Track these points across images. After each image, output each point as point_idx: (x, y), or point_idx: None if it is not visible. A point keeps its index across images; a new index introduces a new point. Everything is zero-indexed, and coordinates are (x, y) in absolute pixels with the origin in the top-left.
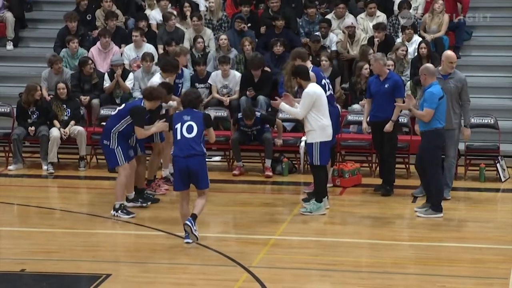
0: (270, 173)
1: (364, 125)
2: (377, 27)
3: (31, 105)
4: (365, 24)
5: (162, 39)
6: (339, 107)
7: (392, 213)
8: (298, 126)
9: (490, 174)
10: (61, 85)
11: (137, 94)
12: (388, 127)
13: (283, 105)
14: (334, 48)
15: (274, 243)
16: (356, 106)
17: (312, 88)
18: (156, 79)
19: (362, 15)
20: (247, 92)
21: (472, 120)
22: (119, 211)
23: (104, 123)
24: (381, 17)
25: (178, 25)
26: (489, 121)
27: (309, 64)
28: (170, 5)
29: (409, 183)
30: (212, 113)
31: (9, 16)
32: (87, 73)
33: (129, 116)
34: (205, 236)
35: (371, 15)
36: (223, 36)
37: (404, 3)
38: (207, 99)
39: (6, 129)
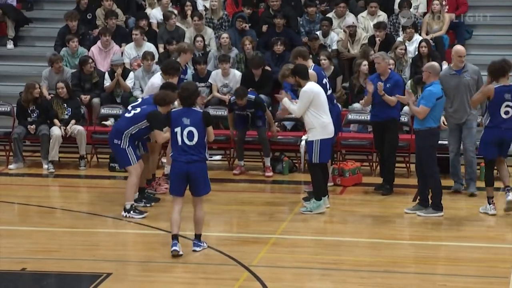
0: (270, 173)
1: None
2: (378, 26)
3: (30, 103)
4: (366, 23)
5: (162, 38)
6: (339, 106)
7: (392, 212)
8: (298, 125)
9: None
10: (60, 84)
11: (138, 93)
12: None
13: (285, 100)
14: (334, 47)
15: (274, 242)
16: (356, 105)
17: (309, 86)
18: (157, 79)
19: (363, 14)
20: (248, 90)
21: None
22: (131, 212)
23: (104, 122)
24: (381, 16)
25: (178, 24)
26: None
27: (310, 63)
28: (171, 4)
29: (409, 182)
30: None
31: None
32: (88, 72)
33: (145, 121)
34: (206, 235)
35: (372, 14)
36: (225, 35)
37: (404, 2)
38: (208, 98)
39: (6, 128)
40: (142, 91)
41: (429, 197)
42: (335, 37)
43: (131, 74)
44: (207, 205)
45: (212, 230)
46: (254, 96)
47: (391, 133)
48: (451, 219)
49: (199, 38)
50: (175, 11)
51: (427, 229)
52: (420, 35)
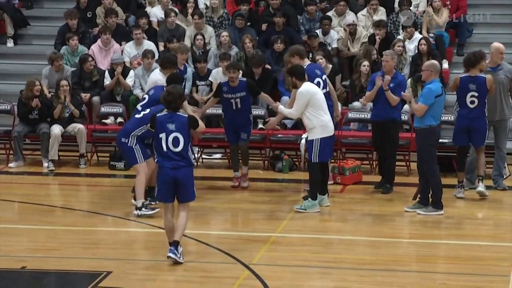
0: (246, 183)
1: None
2: (378, 24)
3: (31, 100)
4: (366, 22)
5: (163, 36)
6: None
7: (392, 210)
8: (298, 124)
9: (491, 172)
10: (64, 82)
11: (138, 92)
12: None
13: (281, 108)
14: (334, 45)
15: (274, 240)
16: (356, 104)
17: (305, 87)
18: (156, 75)
19: (363, 12)
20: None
21: None
22: (143, 209)
23: (104, 121)
24: (381, 14)
25: (179, 22)
26: None
27: (306, 62)
28: (171, 2)
29: (410, 180)
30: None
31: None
32: (88, 70)
33: None
34: (206, 233)
35: (373, 11)
36: (225, 33)
37: (404, 1)
38: (208, 96)
39: (6, 127)
40: (142, 89)
41: (430, 195)
42: (335, 36)
43: (131, 73)
44: (208, 203)
45: (212, 228)
46: (246, 79)
47: (391, 133)
48: (451, 218)
49: (199, 37)
50: (176, 9)
51: (427, 227)
52: (420, 33)
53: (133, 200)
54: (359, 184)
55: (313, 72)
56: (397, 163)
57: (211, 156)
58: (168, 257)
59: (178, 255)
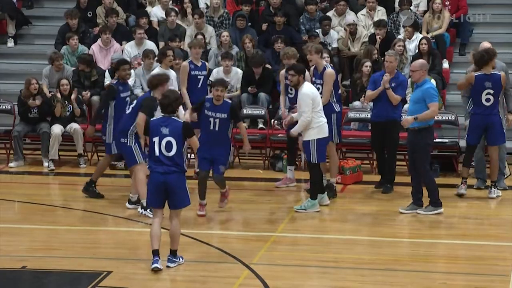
0: (224, 204)
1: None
2: (378, 24)
3: (29, 98)
4: (366, 21)
5: (163, 36)
6: (339, 105)
7: (392, 210)
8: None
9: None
10: (65, 81)
11: (138, 91)
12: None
13: (295, 129)
14: (335, 45)
15: (275, 240)
16: (357, 103)
17: (309, 88)
18: (156, 71)
19: (363, 12)
20: (249, 88)
21: None
22: (148, 210)
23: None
24: (382, 14)
25: (179, 22)
26: None
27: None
28: (171, 2)
29: (410, 180)
30: None
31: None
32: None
33: None
34: (206, 233)
35: (371, 9)
36: (225, 33)
37: (404, 0)
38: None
39: (7, 126)
40: (143, 89)
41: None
42: (335, 35)
43: (132, 72)
44: (208, 204)
45: (213, 228)
46: (231, 101)
47: (392, 133)
48: (452, 217)
49: (199, 36)
50: (176, 9)
51: (427, 227)
52: (420, 33)
53: (128, 204)
54: (359, 184)
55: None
56: (397, 162)
57: None
58: (155, 268)
59: (177, 262)
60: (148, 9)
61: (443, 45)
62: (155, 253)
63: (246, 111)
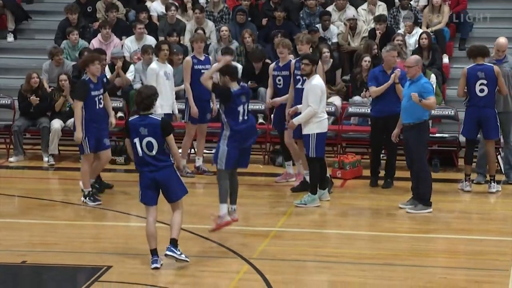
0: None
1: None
2: (378, 19)
3: (30, 93)
4: (367, 16)
5: (163, 31)
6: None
7: (392, 205)
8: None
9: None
10: (63, 76)
11: (138, 86)
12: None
13: (297, 119)
14: (334, 40)
15: (275, 235)
16: (357, 98)
17: (319, 80)
18: (152, 65)
19: (363, 6)
20: (249, 83)
21: None
22: (87, 198)
23: None
24: (382, 9)
25: (179, 17)
26: None
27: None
28: None
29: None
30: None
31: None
32: None
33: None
34: (206, 228)
35: (373, 4)
36: (224, 28)
37: None
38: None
39: (7, 121)
40: (142, 84)
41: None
42: (335, 30)
43: (132, 67)
44: (209, 198)
45: (213, 223)
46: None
47: (394, 128)
48: (451, 212)
49: (199, 31)
50: (176, 4)
51: (427, 222)
52: (420, 28)
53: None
54: (359, 179)
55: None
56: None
57: (211, 150)
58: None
59: (178, 253)
60: (148, 4)
61: (443, 40)
62: (154, 252)
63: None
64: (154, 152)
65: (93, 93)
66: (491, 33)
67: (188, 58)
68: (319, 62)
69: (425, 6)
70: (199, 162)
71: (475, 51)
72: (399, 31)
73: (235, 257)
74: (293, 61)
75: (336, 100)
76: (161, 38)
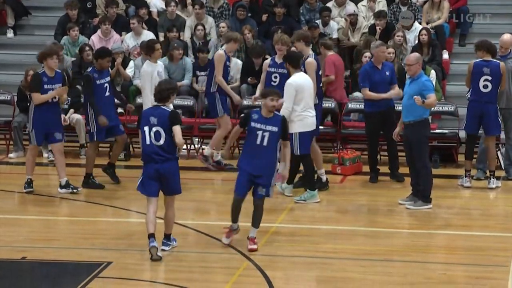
0: (255, 246)
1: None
2: (378, 15)
3: (28, 89)
4: (367, 12)
5: (163, 26)
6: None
7: (392, 201)
8: None
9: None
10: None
11: (137, 82)
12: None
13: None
14: (335, 35)
15: (274, 231)
16: (357, 94)
17: (294, 78)
18: (144, 65)
19: (364, 2)
20: (249, 79)
21: None
22: (64, 188)
23: None
24: (382, 5)
25: (179, 12)
26: None
27: (309, 51)
28: None
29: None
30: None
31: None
32: (87, 60)
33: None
34: (206, 224)
35: (372, 0)
36: (222, 24)
37: None
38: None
39: (7, 117)
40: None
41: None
42: (335, 26)
43: (131, 63)
44: (209, 194)
45: (213, 219)
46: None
47: (392, 121)
48: (451, 208)
49: (199, 27)
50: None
51: (426, 218)
52: (420, 24)
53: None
54: (359, 175)
55: (319, 63)
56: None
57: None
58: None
59: (171, 243)
60: None
61: (442, 35)
62: (151, 236)
63: (245, 102)
64: (161, 142)
65: (46, 86)
66: (491, 28)
67: (221, 52)
68: (312, 61)
69: (425, 2)
70: (218, 156)
71: (485, 47)
72: (398, 27)
73: (235, 253)
74: None
75: None
76: (161, 34)
